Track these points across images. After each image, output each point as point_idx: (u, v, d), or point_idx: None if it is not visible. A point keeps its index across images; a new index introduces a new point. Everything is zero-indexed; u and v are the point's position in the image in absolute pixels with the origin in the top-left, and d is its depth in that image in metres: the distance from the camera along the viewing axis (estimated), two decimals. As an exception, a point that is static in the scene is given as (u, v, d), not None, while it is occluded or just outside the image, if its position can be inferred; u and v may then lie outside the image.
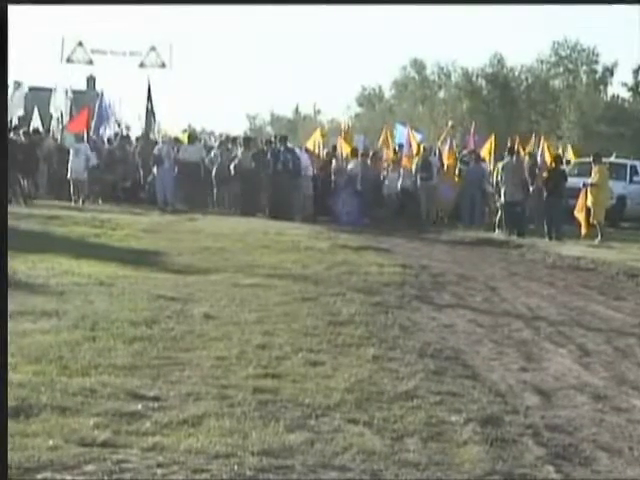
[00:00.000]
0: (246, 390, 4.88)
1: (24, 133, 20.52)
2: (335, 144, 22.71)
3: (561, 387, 5.49)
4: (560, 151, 24.50)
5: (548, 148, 21.67)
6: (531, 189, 18.17)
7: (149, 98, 22.22)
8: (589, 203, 16.48)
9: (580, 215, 16.78)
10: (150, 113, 22.40)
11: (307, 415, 4.50)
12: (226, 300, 7.79)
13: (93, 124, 22.91)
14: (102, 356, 5.47)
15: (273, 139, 21.81)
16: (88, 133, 21.79)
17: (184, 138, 21.78)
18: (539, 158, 20.61)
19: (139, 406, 4.48)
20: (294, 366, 5.53)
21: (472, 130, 23.95)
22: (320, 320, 7.09)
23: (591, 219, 16.53)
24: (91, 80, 39.91)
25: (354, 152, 20.12)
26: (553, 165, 18.11)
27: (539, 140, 22.42)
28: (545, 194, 17.27)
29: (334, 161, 20.26)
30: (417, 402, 4.86)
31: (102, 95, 24.51)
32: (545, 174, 17.78)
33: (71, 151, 20.16)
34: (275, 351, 5.90)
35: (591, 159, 17.74)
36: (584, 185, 16.90)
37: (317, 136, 23.19)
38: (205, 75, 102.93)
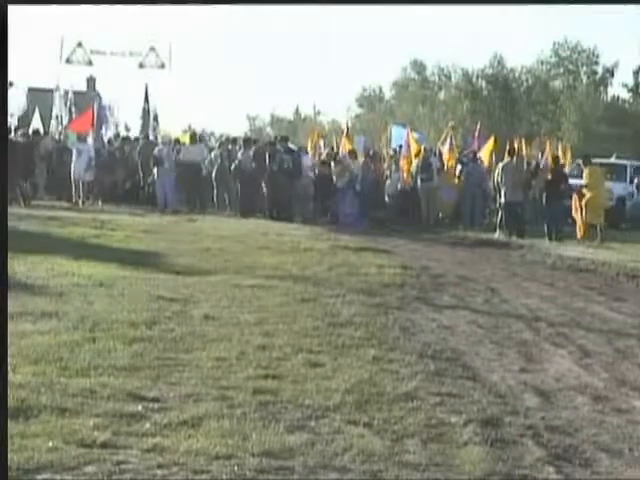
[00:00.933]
0: (246, 391, 4.88)
1: (23, 134, 20.50)
2: (335, 145, 22.69)
3: (561, 388, 5.48)
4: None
5: (549, 149, 21.65)
6: (531, 190, 18.18)
7: (146, 99, 22.27)
8: (583, 204, 16.52)
9: (576, 216, 16.82)
10: (147, 114, 22.44)
11: (307, 416, 4.50)
12: (226, 301, 7.78)
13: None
14: (102, 357, 5.47)
15: (274, 140, 21.81)
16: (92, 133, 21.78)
17: (185, 138, 21.79)
18: (541, 159, 20.60)
19: (139, 407, 4.48)
20: (294, 367, 5.52)
21: (477, 132, 23.61)
22: (320, 321, 7.08)
23: (586, 220, 16.56)
24: (91, 81, 39.84)
25: (354, 153, 20.11)
26: (553, 166, 18.12)
27: (539, 141, 22.38)
28: (545, 195, 17.29)
29: (334, 162, 20.25)
30: (417, 403, 4.85)
31: (100, 98, 24.56)
32: (546, 175, 17.80)
33: (74, 151, 20.15)
34: (275, 352, 5.90)
35: (581, 161, 17.75)
36: (576, 186, 16.93)
37: (315, 137, 23.18)
38: (205, 75, 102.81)
